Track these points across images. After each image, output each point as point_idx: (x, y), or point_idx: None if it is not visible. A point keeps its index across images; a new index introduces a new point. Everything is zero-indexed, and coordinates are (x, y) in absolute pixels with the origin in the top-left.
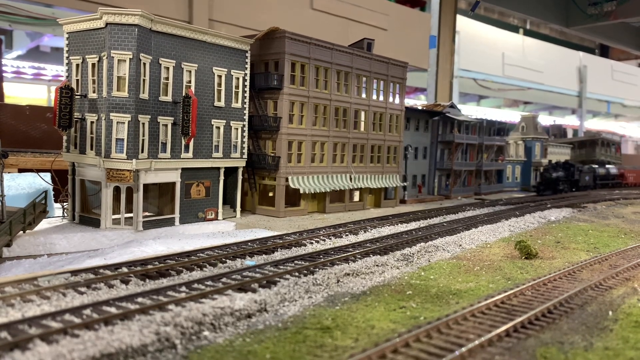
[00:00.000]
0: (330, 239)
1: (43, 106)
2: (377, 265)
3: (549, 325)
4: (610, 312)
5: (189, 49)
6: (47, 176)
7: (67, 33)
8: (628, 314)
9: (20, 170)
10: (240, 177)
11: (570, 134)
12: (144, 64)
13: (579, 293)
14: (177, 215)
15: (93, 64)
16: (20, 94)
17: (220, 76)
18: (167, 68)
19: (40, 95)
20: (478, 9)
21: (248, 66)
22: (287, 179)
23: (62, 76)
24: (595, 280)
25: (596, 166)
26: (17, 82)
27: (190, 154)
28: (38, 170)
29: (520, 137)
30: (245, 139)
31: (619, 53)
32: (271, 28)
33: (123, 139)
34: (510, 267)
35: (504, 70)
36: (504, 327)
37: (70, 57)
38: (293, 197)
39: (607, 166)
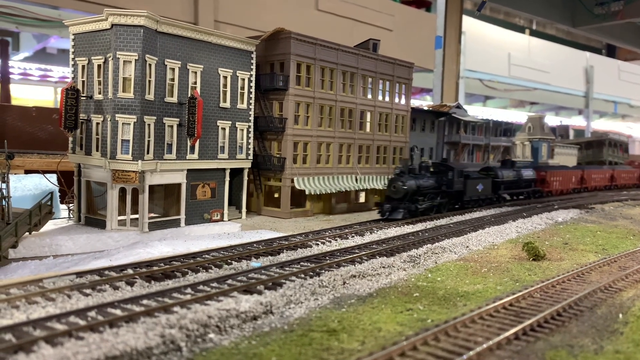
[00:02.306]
0: (336, 240)
1: (49, 107)
2: (383, 267)
3: (558, 328)
4: (620, 315)
5: (195, 50)
6: (53, 177)
7: (73, 34)
8: (638, 317)
9: (27, 172)
10: (245, 178)
11: (572, 135)
12: (150, 65)
13: (588, 295)
14: (182, 216)
15: (99, 65)
16: (27, 96)
17: (225, 77)
18: (173, 69)
19: (47, 96)
20: (484, 9)
21: (253, 67)
22: (292, 180)
23: (69, 78)
24: (604, 283)
25: (499, 167)
26: (24, 83)
27: (195, 155)
28: (44, 172)
29: (527, 137)
30: (251, 140)
31: (626, 53)
32: (276, 29)
33: (129, 140)
34: (518, 269)
35: (510, 70)
36: (512, 330)
37: (76, 59)
38: (298, 198)
39: (518, 167)
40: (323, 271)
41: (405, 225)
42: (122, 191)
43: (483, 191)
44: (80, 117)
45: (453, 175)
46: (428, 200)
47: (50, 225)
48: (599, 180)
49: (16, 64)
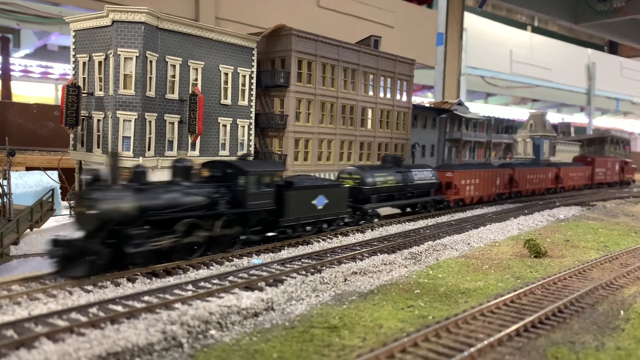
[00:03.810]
0: (337, 237)
1: (50, 105)
2: (384, 264)
3: (559, 324)
4: (621, 312)
5: (196, 47)
6: (55, 174)
7: (74, 31)
8: None
9: (28, 169)
10: None
11: (573, 132)
12: (151, 61)
13: (589, 292)
14: None
15: (100, 62)
16: (28, 93)
17: (226, 74)
18: (174, 66)
19: (48, 94)
20: (485, 5)
21: (254, 64)
22: None
23: (70, 74)
24: (606, 279)
25: (370, 169)
26: (25, 80)
27: (197, 152)
28: (45, 169)
29: (529, 135)
30: (252, 137)
31: (628, 50)
32: (278, 25)
33: (130, 137)
34: (520, 266)
35: (512, 67)
36: (514, 327)
37: (77, 55)
38: None
39: (407, 167)
40: (324, 268)
41: (406, 223)
42: None
43: (328, 208)
44: (81, 114)
45: (247, 183)
46: (185, 232)
47: (51, 222)
48: (537, 182)
49: (17, 61)
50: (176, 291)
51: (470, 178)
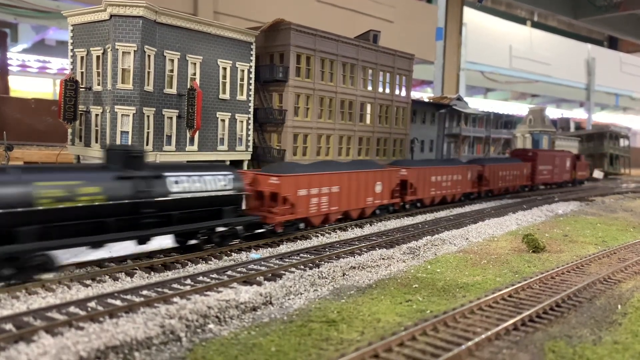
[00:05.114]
0: (336, 232)
1: (48, 99)
2: (383, 259)
3: (557, 319)
4: (619, 306)
5: (194, 41)
6: None
7: (72, 25)
8: (637, 308)
9: (26, 164)
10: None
11: (572, 127)
12: (149, 56)
13: (587, 287)
14: None
15: (97, 57)
16: (25, 88)
17: (225, 68)
18: (172, 60)
19: (46, 88)
20: (485, 0)
21: (253, 58)
22: None
23: (68, 69)
24: (603, 274)
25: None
26: (23, 75)
27: (195, 147)
28: (44, 164)
29: (528, 130)
30: (251, 132)
31: (628, 45)
32: (276, 20)
33: (128, 132)
34: (518, 261)
35: (512, 62)
36: (511, 321)
37: (75, 50)
38: None
39: (156, 167)
40: (322, 263)
41: (405, 218)
42: None
43: None
44: (79, 109)
45: None
46: None
47: None
48: (449, 186)
49: (15, 55)
50: (175, 285)
51: (317, 185)
